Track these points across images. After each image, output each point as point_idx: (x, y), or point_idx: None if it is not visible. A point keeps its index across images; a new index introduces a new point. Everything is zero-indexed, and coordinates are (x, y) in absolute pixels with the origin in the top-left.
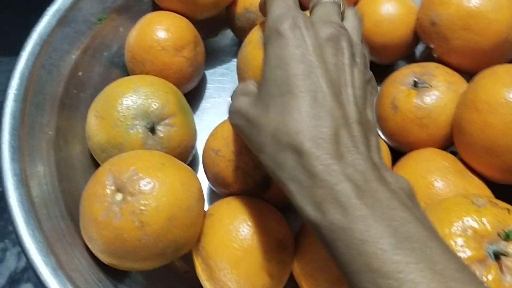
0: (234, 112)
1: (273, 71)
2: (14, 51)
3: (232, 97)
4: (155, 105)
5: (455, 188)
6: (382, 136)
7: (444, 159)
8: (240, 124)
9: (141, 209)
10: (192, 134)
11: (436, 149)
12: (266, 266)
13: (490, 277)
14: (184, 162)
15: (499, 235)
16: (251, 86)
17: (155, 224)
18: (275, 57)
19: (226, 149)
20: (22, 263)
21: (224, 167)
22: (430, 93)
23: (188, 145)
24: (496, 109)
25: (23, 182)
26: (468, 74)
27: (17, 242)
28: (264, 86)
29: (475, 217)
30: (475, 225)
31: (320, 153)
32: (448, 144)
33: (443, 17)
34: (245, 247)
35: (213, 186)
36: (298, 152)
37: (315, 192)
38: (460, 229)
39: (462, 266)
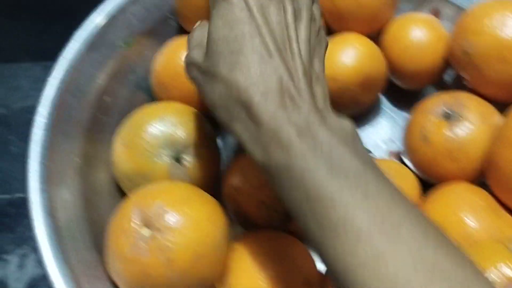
0: (190, 65)
1: (220, 30)
2: (38, 57)
3: (188, 45)
4: (181, 133)
5: (488, 227)
6: (412, 167)
7: (477, 196)
8: (196, 77)
9: (168, 246)
10: (217, 163)
11: (468, 184)
12: None
13: None
14: (209, 191)
15: None
16: (206, 35)
17: (182, 261)
18: (221, 19)
19: (246, 185)
20: (41, 269)
21: (246, 203)
22: (462, 125)
23: (213, 174)
24: None
25: (50, 213)
26: (502, 104)
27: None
28: (212, 44)
29: (509, 264)
30: (510, 273)
31: (267, 104)
32: (480, 177)
33: (476, 47)
34: (271, 284)
35: (236, 220)
36: (248, 105)
37: (263, 138)
38: (494, 277)
39: (395, 192)
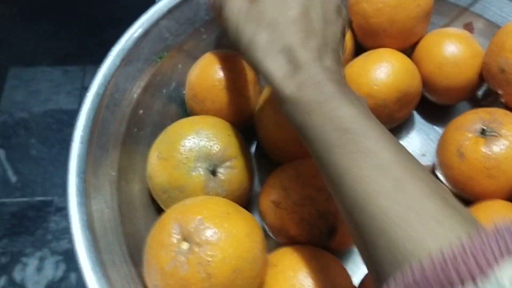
0: (231, 15)
1: None
2: (57, 61)
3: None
4: (217, 147)
5: None
6: (446, 183)
7: None
8: (233, 19)
9: (208, 260)
10: (252, 177)
11: (506, 202)
12: None
13: None
14: (243, 204)
15: None
16: None
17: (221, 276)
18: None
19: (287, 200)
20: (60, 272)
21: (288, 220)
22: (499, 143)
23: (247, 187)
24: None
25: (89, 227)
26: None
27: (57, 251)
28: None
29: None
30: None
31: (307, 52)
32: None
33: None
34: None
35: (274, 236)
36: (291, 48)
37: (299, 77)
38: None
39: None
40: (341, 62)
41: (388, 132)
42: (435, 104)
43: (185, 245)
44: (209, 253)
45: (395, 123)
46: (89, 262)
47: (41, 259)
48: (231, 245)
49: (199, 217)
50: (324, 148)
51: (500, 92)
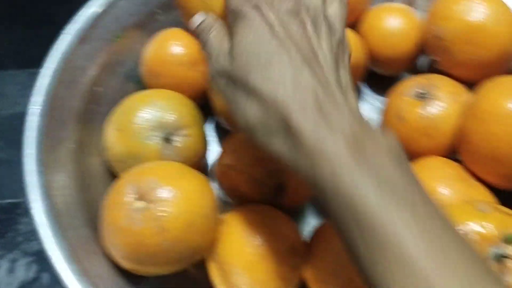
0: (218, 73)
1: (245, 46)
2: (25, 64)
3: (208, 54)
4: (171, 116)
5: (459, 195)
6: None
7: (449, 167)
8: (226, 89)
9: (160, 216)
10: (205, 145)
11: (441, 157)
12: (278, 270)
13: None
14: (197, 169)
15: (501, 239)
16: (225, 40)
17: (175, 229)
18: (244, 37)
19: (238, 162)
20: (31, 273)
21: (239, 180)
22: (434, 104)
23: (202, 155)
24: (499, 119)
25: (47, 194)
26: (471, 85)
27: (29, 253)
28: (240, 56)
29: (478, 221)
30: (478, 229)
31: (306, 119)
32: (452, 152)
33: (447, 32)
34: (259, 252)
35: (229, 197)
36: (287, 119)
37: (304, 150)
38: (463, 233)
39: (442, 215)
40: (357, 103)
41: (422, 202)
42: (381, 75)
43: (139, 203)
44: (162, 209)
45: None
46: (48, 223)
47: (13, 261)
48: (184, 201)
49: (152, 177)
50: (347, 240)
51: (436, 58)
